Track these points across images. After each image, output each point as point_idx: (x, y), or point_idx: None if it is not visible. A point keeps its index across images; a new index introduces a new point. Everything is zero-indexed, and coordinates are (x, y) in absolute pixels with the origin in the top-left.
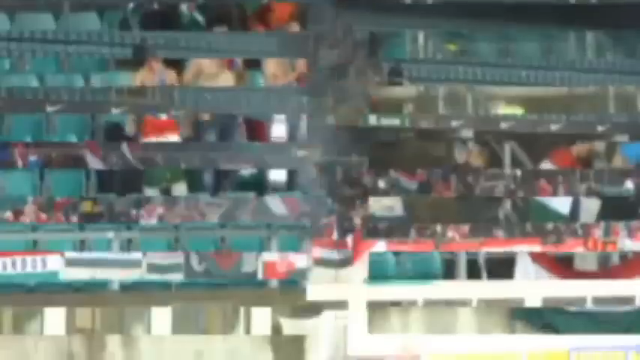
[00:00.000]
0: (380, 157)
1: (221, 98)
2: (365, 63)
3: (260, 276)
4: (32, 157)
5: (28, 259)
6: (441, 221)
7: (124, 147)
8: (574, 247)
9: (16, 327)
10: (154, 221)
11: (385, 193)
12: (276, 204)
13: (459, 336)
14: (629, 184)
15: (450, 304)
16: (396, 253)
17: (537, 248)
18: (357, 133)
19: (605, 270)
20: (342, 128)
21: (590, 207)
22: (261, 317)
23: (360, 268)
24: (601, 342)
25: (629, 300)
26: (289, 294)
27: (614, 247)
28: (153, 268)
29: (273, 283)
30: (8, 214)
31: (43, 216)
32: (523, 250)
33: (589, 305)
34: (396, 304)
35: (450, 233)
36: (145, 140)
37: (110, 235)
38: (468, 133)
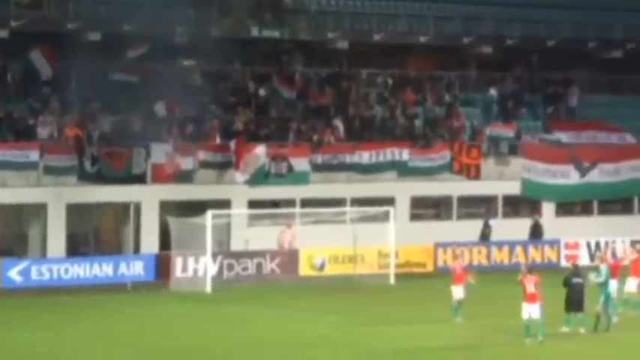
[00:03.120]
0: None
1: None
2: None
3: (149, 177)
4: None
5: None
6: (317, 126)
7: None
8: (441, 150)
9: None
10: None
11: (265, 100)
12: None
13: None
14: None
15: (326, 203)
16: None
17: (407, 151)
18: (240, 44)
19: None
20: (225, 39)
21: None
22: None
23: (243, 170)
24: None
25: None
26: None
27: (479, 152)
28: (49, 169)
29: None
30: None
31: None
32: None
33: None
34: (275, 203)
35: (326, 137)
36: None
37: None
38: (343, 44)
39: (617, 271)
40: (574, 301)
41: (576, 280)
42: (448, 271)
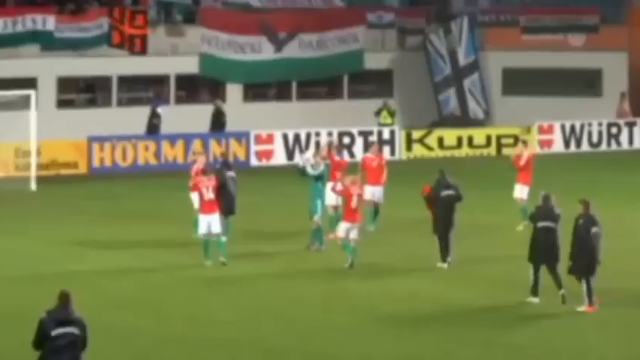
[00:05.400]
0: None
1: None
2: None
3: None
4: None
5: None
6: None
7: None
8: (97, 17)
9: None
10: None
11: None
12: None
13: None
14: None
15: None
16: None
17: (53, 18)
18: None
19: None
20: None
21: None
22: None
23: None
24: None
25: None
26: None
27: (145, 19)
28: None
29: None
30: None
31: None
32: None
33: None
34: None
35: None
36: None
37: None
38: None
39: (342, 170)
40: (228, 207)
41: (230, 174)
42: (105, 173)
